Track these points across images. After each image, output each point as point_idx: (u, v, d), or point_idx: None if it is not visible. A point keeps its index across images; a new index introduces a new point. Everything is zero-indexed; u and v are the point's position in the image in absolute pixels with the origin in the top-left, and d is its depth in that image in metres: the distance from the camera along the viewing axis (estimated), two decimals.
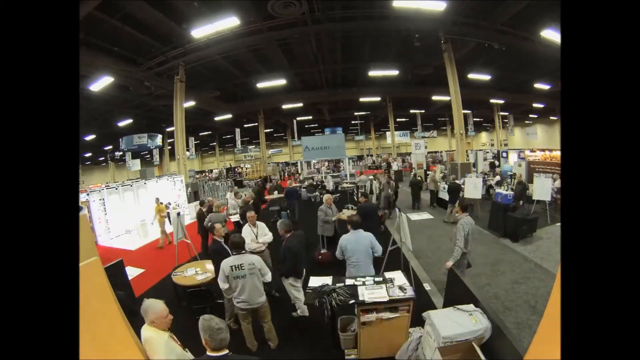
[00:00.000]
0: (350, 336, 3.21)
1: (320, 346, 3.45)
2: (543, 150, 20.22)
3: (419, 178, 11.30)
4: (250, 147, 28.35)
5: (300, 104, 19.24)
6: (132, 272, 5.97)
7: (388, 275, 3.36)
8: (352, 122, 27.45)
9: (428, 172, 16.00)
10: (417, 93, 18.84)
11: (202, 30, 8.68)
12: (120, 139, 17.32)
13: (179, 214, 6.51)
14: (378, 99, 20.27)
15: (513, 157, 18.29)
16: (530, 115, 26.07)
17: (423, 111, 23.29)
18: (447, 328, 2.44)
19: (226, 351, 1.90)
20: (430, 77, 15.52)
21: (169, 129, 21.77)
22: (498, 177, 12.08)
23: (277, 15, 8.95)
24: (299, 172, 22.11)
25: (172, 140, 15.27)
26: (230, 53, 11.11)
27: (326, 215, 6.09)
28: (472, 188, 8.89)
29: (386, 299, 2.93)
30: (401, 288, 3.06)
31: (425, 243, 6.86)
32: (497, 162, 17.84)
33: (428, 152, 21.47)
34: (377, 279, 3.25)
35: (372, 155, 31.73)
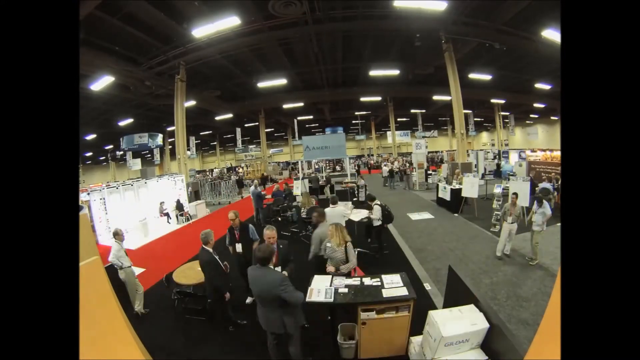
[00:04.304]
0: (351, 345, 3.12)
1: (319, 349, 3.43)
2: (544, 150, 20.21)
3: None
4: (250, 146, 28.38)
5: (301, 104, 19.27)
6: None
7: (387, 277, 3.35)
8: (353, 121, 27.50)
9: (430, 173, 15.82)
10: (418, 93, 18.87)
11: (203, 30, 8.68)
12: (121, 139, 17.32)
13: None
14: (379, 98, 20.29)
15: (514, 157, 18.30)
16: (531, 115, 26.07)
17: (424, 111, 23.30)
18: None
19: None
20: (431, 77, 15.53)
21: (169, 129, 21.84)
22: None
23: (277, 14, 8.95)
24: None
25: (173, 139, 15.29)
26: (231, 52, 11.12)
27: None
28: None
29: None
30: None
31: (426, 243, 6.86)
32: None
33: (429, 152, 21.39)
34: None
35: (372, 155, 31.71)
